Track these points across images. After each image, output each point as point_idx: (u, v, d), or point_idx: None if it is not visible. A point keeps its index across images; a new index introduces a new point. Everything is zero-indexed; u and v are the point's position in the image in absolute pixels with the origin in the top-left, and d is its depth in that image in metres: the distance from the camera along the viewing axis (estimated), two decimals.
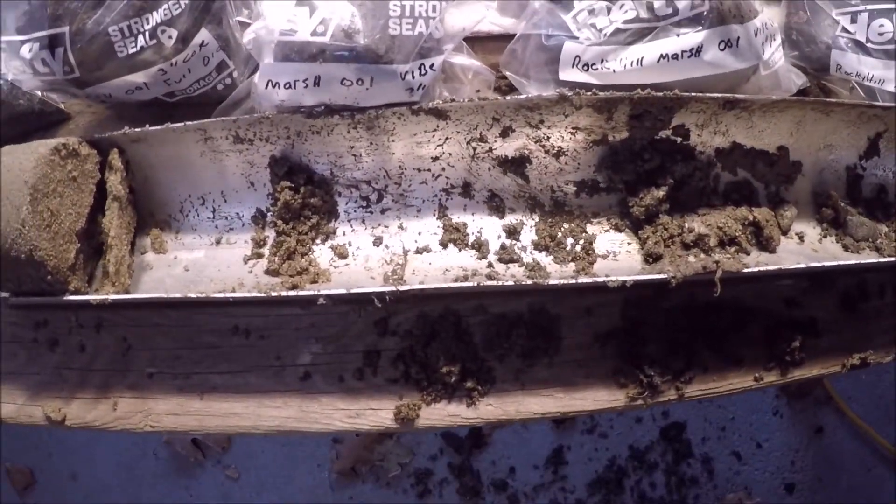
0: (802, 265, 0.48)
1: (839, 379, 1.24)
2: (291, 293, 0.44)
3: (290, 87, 0.45)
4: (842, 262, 0.50)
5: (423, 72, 0.45)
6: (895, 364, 0.60)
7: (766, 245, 0.51)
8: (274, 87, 0.46)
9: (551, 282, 0.43)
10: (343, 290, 0.43)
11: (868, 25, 0.55)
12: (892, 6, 0.55)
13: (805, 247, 0.53)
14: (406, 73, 0.45)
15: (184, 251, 0.50)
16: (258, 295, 0.44)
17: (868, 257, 0.53)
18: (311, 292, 0.43)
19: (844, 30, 0.56)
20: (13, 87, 0.54)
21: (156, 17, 0.46)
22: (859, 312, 0.54)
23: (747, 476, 1.16)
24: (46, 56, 0.48)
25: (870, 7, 0.55)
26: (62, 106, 0.58)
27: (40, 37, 0.47)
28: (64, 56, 0.47)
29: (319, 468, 1.13)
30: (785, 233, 0.54)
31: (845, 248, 0.54)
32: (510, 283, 0.44)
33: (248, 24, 0.49)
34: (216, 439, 1.20)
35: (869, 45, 0.55)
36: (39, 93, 0.55)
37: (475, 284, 0.43)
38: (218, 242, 0.50)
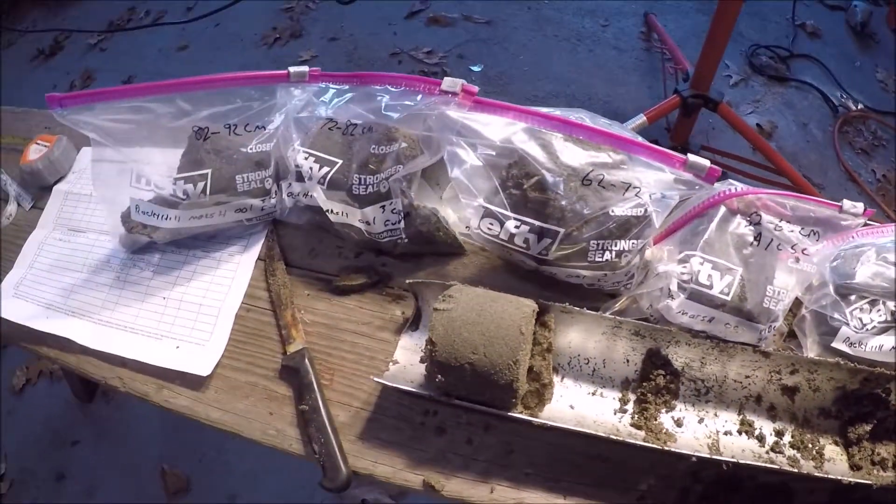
0: None
1: None
2: (669, 447, 0.68)
3: (693, 318, 0.71)
4: None
5: (770, 329, 0.72)
6: None
7: None
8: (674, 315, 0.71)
9: (786, 468, 0.69)
10: (688, 452, 0.67)
11: None
12: None
13: None
14: (762, 330, 0.71)
15: (567, 392, 0.73)
16: (633, 441, 0.67)
17: None
18: (662, 446, 0.68)
19: None
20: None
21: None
22: None
23: None
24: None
25: None
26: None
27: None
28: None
29: None
30: None
31: None
32: (774, 466, 0.70)
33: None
34: None
35: None
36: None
37: (756, 464, 0.69)
38: (593, 394, 0.74)
